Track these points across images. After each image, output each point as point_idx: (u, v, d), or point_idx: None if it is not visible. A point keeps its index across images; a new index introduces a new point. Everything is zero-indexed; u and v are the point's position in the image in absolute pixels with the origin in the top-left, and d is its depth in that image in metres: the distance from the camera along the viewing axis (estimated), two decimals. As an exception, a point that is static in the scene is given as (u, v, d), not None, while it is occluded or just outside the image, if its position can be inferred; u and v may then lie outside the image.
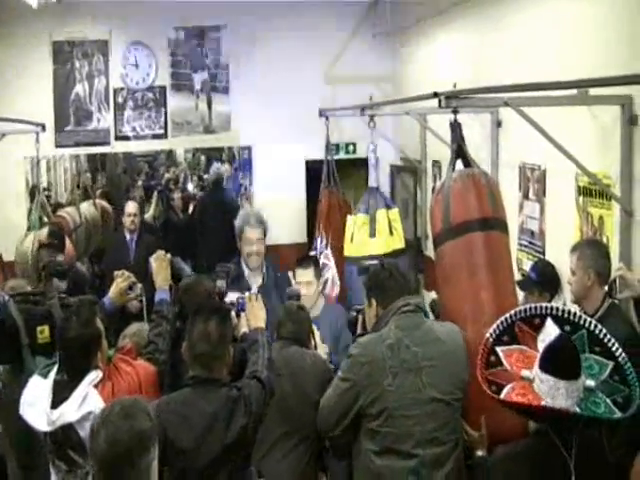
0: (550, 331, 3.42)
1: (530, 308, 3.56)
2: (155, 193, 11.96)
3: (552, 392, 3.15)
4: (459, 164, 4.67)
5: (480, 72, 6.89)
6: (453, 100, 4.79)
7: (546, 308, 3.53)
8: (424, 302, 4.48)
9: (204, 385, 3.79)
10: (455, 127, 4.66)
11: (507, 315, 3.58)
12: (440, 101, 4.84)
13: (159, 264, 4.94)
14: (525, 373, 3.35)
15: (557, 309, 3.51)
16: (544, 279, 5.40)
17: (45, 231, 7.43)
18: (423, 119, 7.67)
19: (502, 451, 3.59)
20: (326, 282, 7.03)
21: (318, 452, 4.69)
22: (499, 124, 6.65)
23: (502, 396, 3.31)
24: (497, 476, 3.53)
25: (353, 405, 4.07)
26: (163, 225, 11.21)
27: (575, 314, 3.47)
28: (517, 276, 5.68)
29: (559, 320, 3.47)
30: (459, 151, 4.65)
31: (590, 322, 3.42)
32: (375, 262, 5.00)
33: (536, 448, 3.34)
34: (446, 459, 4.00)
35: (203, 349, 3.78)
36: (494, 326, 3.57)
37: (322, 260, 7.02)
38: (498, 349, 3.51)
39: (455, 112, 4.69)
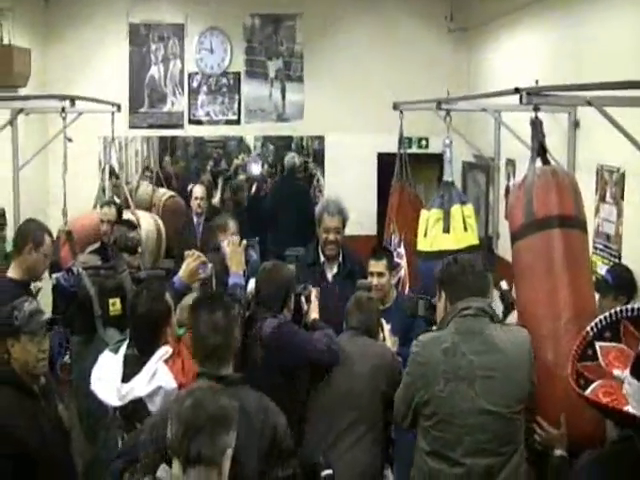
0: None
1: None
2: (221, 178, 12.02)
3: (637, 397, 3.06)
4: (538, 163, 4.60)
5: (561, 70, 6.79)
6: (534, 97, 4.72)
7: None
8: (491, 305, 4.34)
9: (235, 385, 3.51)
10: (536, 124, 4.59)
11: (613, 311, 3.45)
12: (521, 97, 4.78)
13: (233, 249, 4.96)
14: (617, 372, 3.24)
15: None
16: (620, 283, 5.29)
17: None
18: (499, 116, 7.59)
19: (588, 455, 3.51)
20: (398, 281, 7.01)
21: (384, 443, 4.69)
22: (577, 124, 6.55)
23: (587, 392, 3.25)
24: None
25: (411, 401, 4.04)
26: (230, 210, 11.25)
27: None
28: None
29: None
30: (540, 149, 4.58)
31: None
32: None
33: (624, 454, 3.25)
34: (498, 471, 3.86)
35: (217, 341, 3.50)
36: (597, 320, 3.46)
37: (395, 259, 6.98)
38: (597, 344, 3.41)
39: (536, 109, 4.63)
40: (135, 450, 3.46)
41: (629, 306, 3.46)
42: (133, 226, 6.50)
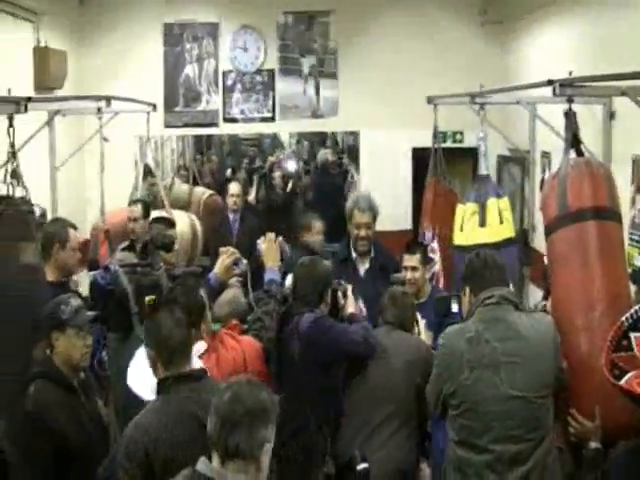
0: None
1: None
2: (256, 176, 12.08)
3: None
4: (572, 154, 4.58)
5: (595, 61, 6.73)
6: (568, 88, 4.69)
7: None
8: (513, 292, 4.35)
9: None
10: (570, 116, 4.57)
11: None
12: (554, 89, 4.75)
13: (269, 246, 5.00)
14: None
15: None
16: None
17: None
18: (533, 108, 7.54)
19: (624, 447, 3.50)
20: (432, 276, 7.00)
21: (420, 438, 4.70)
22: (612, 116, 6.49)
23: (621, 382, 3.25)
24: (618, 471, 3.43)
25: (440, 393, 4.10)
26: (266, 207, 11.30)
27: None
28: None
29: None
30: (574, 141, 4.56)
31: None
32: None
33: None
34: (526, 457, 3.89)
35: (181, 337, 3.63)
36: (632, 310, 3.50)
37: (429, 254, 6.97)
38: (632, 334, 3.44)
39: (570, 100, 4.60)
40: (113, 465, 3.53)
41: None
42: (171, 223, 6.55)
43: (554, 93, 4.73)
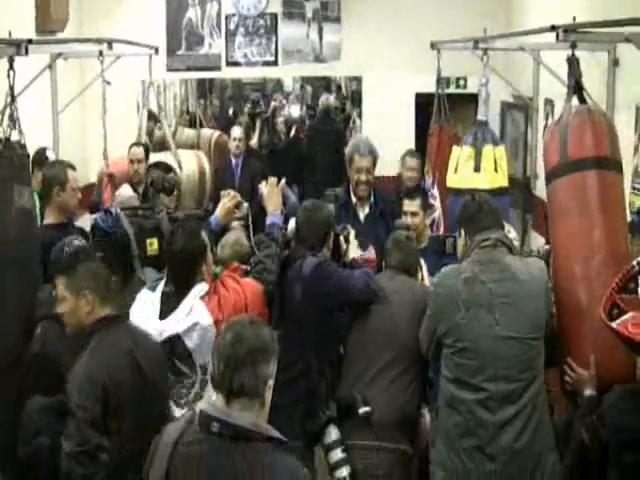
0: None
1: None
2: (258, 121, 12.03)
3: None
4: (575, 101, 4.56)
5: (600, 10, 6.67)
6: (571, 34, 4.67)
7: None
8: (508, 236, 4.42)
9: None
10: (572, 62, 4.55)
11: None
12: (558, 35, 4.73)
13: (270, 190, 4.99)
14: None
15: None
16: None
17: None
18: (537, 55, 7.49)
19: (619, 388, 3.58)
20: (432, 222, 6.99)
21: (422, 384, 4.73)
22: (616, 63, 6.45)
23: (615, 323, 3.30)
24: (613, 414, 3.51)
25: (434, 333, 4.18)
26: (269, 152, 11.27)
27: None
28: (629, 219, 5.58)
29: None
30: (576, 87, 4.55)
31: None
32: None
33: None
34: (518, 396, 3.96)
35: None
36: None
37: (429, 201, 6.96)
38: None
39: (573, 46, 4.58)
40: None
41: None
42: (168, 168, 6.56)
43: (557, 39, 4.70)
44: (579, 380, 4.06)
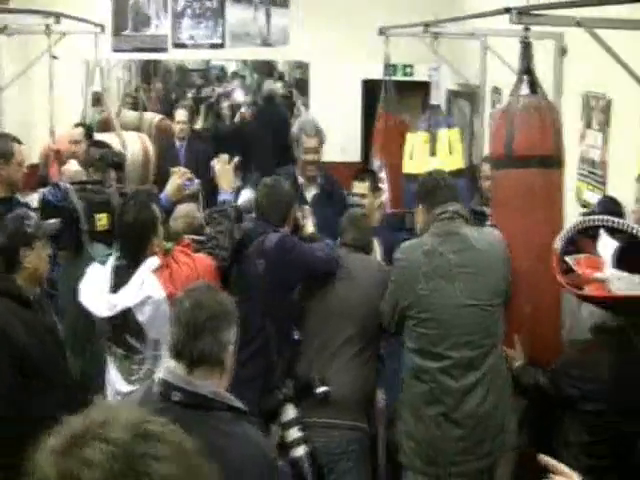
0: (605, 239, 3.73)
1: (585, 221, 3.93)
2: (203, 106, 11.98)
3: (630, 286, 3.32)
4: (524, 89, 4.62)
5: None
6: (524, 16, 4.70)
7: (600, 220, 3.86)
8: (464, 208, 4.52)
9: None
10: (527, 45, 4.60)
11: (567, 228, 3.90)
12: (511, 17, 4.76)
13: (222, 167, 4.94)
14: (598, 275, 3.61)
15: (610, 220, 3.83)
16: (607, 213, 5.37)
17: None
18: (484, 40, 7.54)
19: (566, 356, 3.81)
20: (380, 204, 7.01)
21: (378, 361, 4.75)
22: (564, 51, 6.53)
23: (589, 293, 3.51)
24: (562, 375, 3.83)
25: (396, 306, 4.28)
26: (213, 135, 11.21)
27: (625, 224, 3.81)
28: (576, 205, 5.67)
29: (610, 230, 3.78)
30: (527, 71, 4.60)
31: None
32: None
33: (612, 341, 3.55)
34: (480, 362, 4.13)
35: None
36: (558, 237, 3.72)
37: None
38: (567, 258, 3.69)
39: (527, 29, 4.62)
40: None
41: (576, 221, 3.99)
42: (105, 146, 6.46)
43: (511, 20, 4.73)
44: (510, 357, 4.28)
